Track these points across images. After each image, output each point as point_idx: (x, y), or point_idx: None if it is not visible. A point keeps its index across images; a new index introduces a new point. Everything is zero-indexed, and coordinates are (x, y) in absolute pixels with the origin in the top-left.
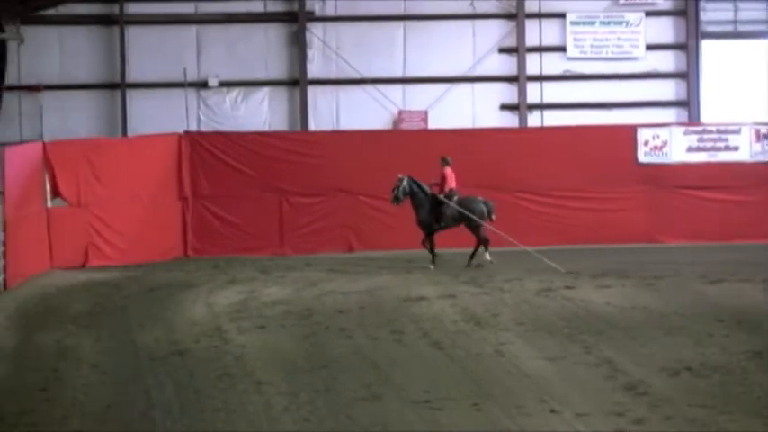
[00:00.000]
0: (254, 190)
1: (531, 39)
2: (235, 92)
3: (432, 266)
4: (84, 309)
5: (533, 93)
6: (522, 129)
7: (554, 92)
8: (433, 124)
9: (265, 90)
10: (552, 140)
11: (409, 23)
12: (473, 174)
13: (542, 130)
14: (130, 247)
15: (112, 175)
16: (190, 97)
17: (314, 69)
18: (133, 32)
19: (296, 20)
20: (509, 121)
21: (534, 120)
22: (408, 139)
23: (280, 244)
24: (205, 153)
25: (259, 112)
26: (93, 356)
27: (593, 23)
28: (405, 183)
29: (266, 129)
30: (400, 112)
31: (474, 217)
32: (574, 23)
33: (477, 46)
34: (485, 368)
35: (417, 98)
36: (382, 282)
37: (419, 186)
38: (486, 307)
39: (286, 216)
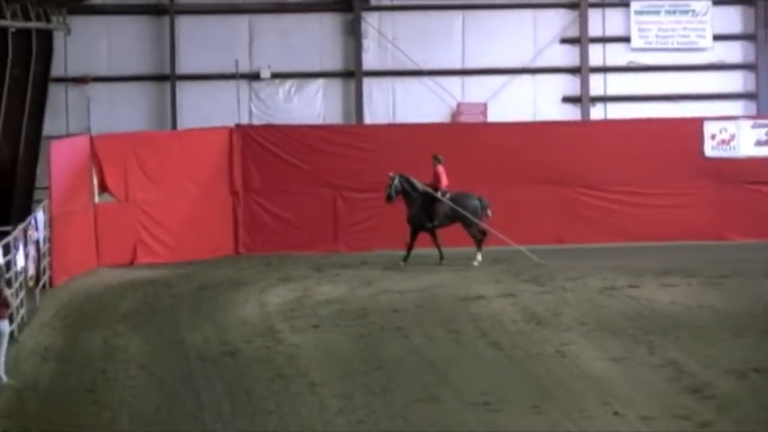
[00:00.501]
0: (308, 185)
1: (594, 29)
2: (288, 83)
3: (403, 264)
4: (132, 308)
5: (596, 84)
6: (585, 122)
7: (618, 84)
8: (492, 117)
9: (319, 82)
10: (615, 134)
11: (468, 13)
12: (534, 168)
13: (605, 123)
14: (180, 243)
15: (161, 169)
16: (242, 89)
17: (369, 60)
18: (183, 22)
19: (351, 9)
20: (571, 113)
21: (597, 113)
22: (467, 133)
23: (334, 241)
24: (257, 147)
25: (313, 105)
26: (142, 357)
27: (658, 13)
28: (396, 181)
29: (320, 122)
30: (459, 105)
31: (467, 214)
32: (638, 13)
33: (538, 36)
34: (545, 369)
35: (476, 90)
36: (439, 280)
37: (411, 184)
38: (547, 306)
39: (340, 212)
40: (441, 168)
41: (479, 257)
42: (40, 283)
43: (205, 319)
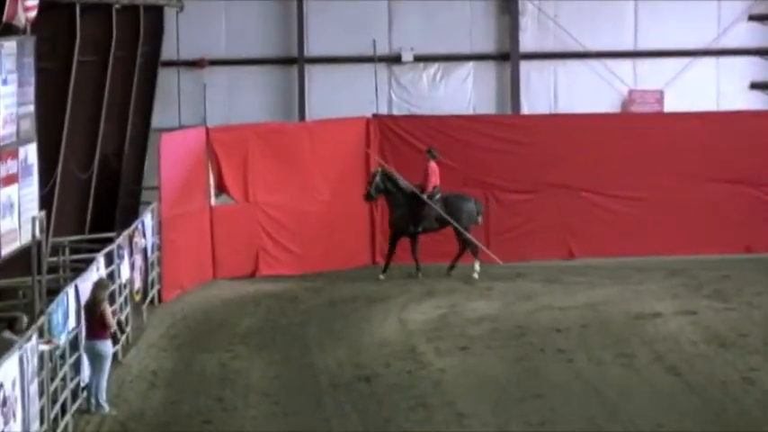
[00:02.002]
0: (456, 184)
1: None
2: (433, 68)
3: (382, 276)
4: (253, 326)
5: None
6: None
7: None
8: (669, 106)
9: (469, 66)
10: None
11: None
12: (717, 165)
13: None
14: (308, 252)
15: (288, 166)
16: (380, 74)
17: (527, 41)
18: None
19: None
20: (760, 101)
21: None
22: (641, 124)
23: (486, 249)
24: (397, 140)
25: (462, 92)
26: (265, 383)
27: None
28: (377, 178)
29: (470, 111)
30: (631, 92)
31: (454, 223)
32: None
33: (722, 13)
34: (730, 398)
35: (651, 75)
36: (608, 295)
37: (394, 182)
38: (731, 325)
39: (493, 215)
40: (433, 165)
41: (478, 267)
42: (148, 298)
43: (337, 339)
